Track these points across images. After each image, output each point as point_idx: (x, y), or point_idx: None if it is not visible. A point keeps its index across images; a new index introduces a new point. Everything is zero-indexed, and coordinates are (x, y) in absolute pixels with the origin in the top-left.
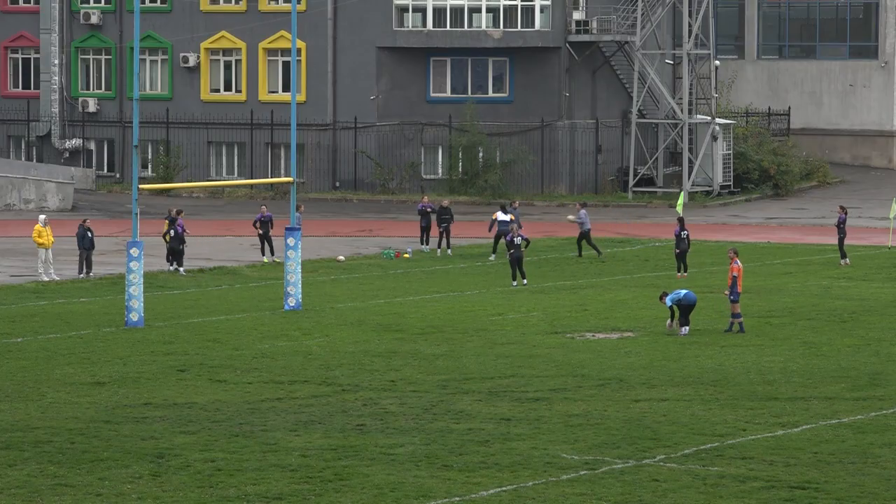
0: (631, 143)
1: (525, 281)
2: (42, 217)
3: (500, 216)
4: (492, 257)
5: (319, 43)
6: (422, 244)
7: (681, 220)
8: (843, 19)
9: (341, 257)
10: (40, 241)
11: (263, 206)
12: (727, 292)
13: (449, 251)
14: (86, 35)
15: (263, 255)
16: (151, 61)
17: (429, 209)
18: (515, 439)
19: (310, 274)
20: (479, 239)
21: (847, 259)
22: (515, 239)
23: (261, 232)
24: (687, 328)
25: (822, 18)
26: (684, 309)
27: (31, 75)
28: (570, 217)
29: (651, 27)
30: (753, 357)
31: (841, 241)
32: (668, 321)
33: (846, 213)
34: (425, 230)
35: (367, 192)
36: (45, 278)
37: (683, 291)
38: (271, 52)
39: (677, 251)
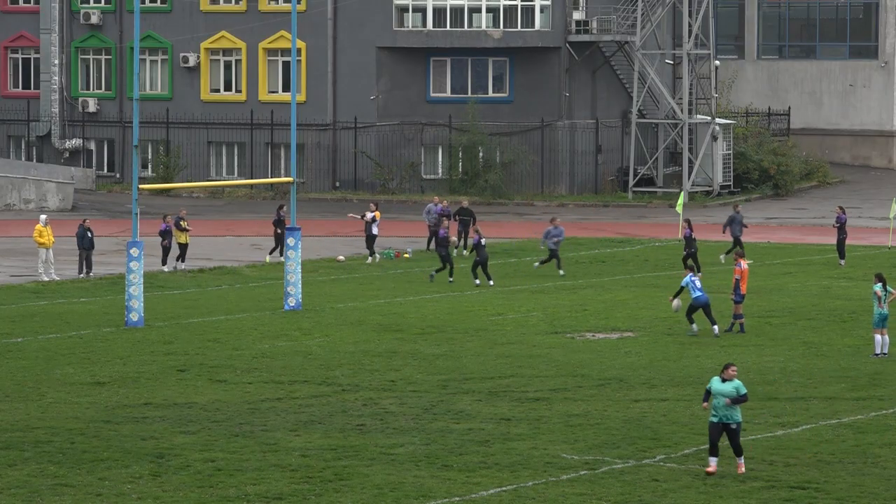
0: (631, 143)
1: (491, 282)
2: (43, 217)
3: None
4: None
5: (319, 43)
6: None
7: (688, 221)
8: (843, 19)
9: (341, 257)
10: (41, 240)
11: (282, 207)
12: (732, 296)
13: (465, 252)
14: (86, 35)
15: (270, 254)
16: (151, 61)
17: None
18: (515, 439)
19: (310, 274)
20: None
21: (842, 261)
22: (482, 241)
23: (279, 231)
24: (696, 327)
25: (822, 18)
26: (691, 308)
27: (31, 75)
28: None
29: (651, 27)
30: (753, 357)
31: (842, 241)
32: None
33: (846, 214)
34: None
35: (367, 192)
36: (45, 278)
37: (700, 292)
38: (271, 52)
39: (693, 251)
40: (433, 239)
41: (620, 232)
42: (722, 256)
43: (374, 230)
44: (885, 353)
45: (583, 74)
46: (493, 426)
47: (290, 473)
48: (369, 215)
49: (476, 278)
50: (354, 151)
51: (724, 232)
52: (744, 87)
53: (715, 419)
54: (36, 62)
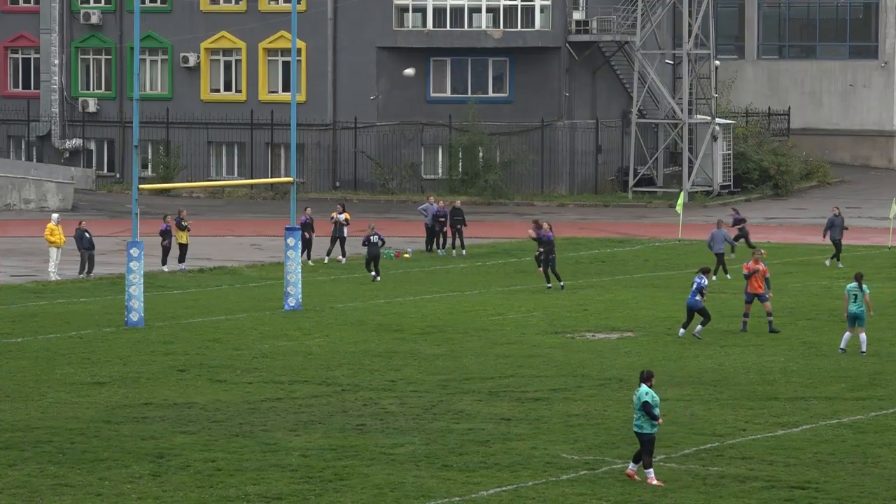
0: (631, 143)
1: (378, 278)
2: (55, 216)
3: (337, 216)
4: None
5: (319, 43)
6: (438, 248)
7: (548, 223)
8: (843, 19)
9: (341, 257)
10: (52, 239)
11: (308, 209)
12: (769, 292)
13: (464, 251)
14: (86, 35)
15: (329, 255)
16: (151, 61)
17: (442, 215)
18: (515, 439)
19: (310, 274)
20: (480, 239)
21: (730, 262)
22: (372, 238)
23: (307, 235)
24: (698, 328)
25: (822, 18)
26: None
27: (31, 75)
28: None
29: (651, 27)
30: (753, 357)
31: (746, 237)
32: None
33: (740, 214)
34: (439, 234)
35: (367, 192)
36: (50, 278)
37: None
38: (271, 52)
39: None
40: (432, 238)
41: (620, 232)
42: (827, 261)
43: (345, 233)
44: (862, 352)
45: (583, 74)
46: (493, 426)
47: (290, 473)
48: (341, 218)
49: (370, 271)
50: (354, 151)
51: (823, 237)
52: (744, 88)
53: (656, 429)
54: (36, 62)
